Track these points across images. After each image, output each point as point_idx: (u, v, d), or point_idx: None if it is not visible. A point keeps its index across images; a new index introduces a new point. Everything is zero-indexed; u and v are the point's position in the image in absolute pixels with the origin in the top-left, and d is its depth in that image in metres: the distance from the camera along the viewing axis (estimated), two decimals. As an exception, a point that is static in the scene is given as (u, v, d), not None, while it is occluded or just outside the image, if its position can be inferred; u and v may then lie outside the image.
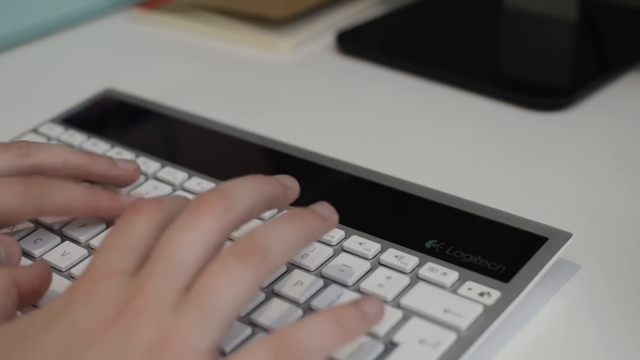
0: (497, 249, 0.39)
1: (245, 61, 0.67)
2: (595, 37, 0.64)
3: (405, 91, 0.60)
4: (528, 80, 0.59)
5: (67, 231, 0.43)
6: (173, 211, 0.34)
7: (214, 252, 0.31)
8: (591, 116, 0.54)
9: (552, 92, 0.56)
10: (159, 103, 0.56)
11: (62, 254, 0.42)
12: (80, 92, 0.59)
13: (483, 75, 0.59)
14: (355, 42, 0.66)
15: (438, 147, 0.52)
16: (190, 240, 0.31)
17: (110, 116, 0.57)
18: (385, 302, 0.36)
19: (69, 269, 0.41)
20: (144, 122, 0.55)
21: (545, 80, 0.59)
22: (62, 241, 0.43)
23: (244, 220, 0.33)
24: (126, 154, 0.50)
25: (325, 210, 0.34)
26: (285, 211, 0.35)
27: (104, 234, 0.43)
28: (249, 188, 0.33)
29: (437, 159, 0.51)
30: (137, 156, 0.50)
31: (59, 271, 0.41)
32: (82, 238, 0.43)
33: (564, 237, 0.39)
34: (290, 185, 0.36)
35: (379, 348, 0.34)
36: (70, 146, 0.50)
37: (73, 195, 0.41)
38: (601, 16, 0.66)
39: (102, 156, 0.45)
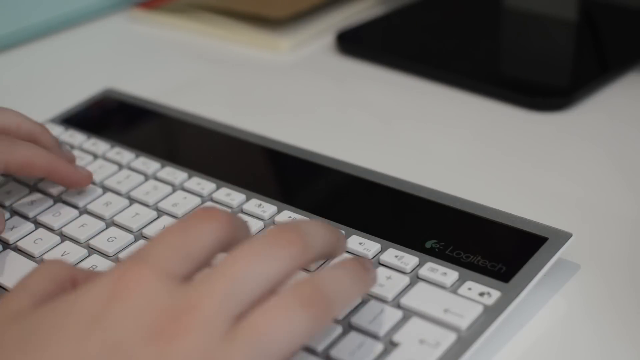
0: (497, 249, 0.39)
1: (245, 61, 0.67)
2: (595, 37, 0.64)
3: (405, 91, 0.60)
4: (528, 80, 0.59)
5: (67, 231, 0.43)
6: (241, 232, 0.32)
7: (275, 287, 0.29)
8: (591, 116, 0.54)
9: (552, 92, 0.56)
10: (159, 103, 0.56)
11: (62, 253, 0.42)
12: (80, 92, 0.59)
13: (483, 75, 0.59)
14: (355, 42, 0.66)
15: (438, 147, 0.52)
16: (259, 270, 0.29)
17: (110, 116, 0.57)
18: (385, 302, 0.36)
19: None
20: (144, 122, 0.55)
21: (545, 80, 0.59)
22: (62, 241, 0.43)
23: (311, 264, 0.32)
24: (126, 154, 0.50)
25: (372, 267, 0.33)
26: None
27: (104, 232, 0.43)
28: (323, 235, 0.32)
29: (437, 159, 0.51)
30: (137, 156, 0.50)
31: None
32: (82, 238, 0.43)
33: (564, 237, 0.39)
34: (344, 244, 0.35)
35: (379, 348, 0.34)
36: (51, 132, 0.51)
37: (36, 153, 0.43)
38: (601, 16, 0.66)
39: (50, 132, 0.47)
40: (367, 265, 0.32)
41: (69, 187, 0.46)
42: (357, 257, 0.33)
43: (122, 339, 0.27)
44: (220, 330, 0.27)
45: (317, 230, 0.32)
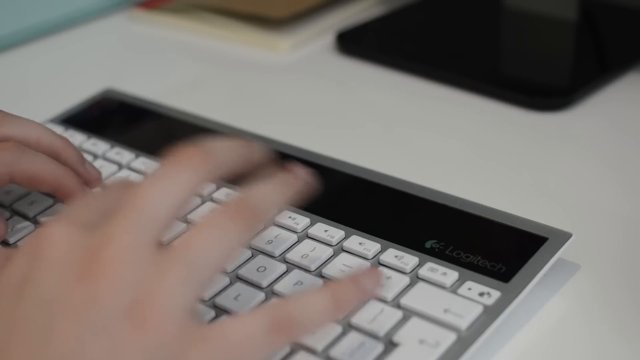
0: (497, 249, 0.39)
1: (245, 61, 0.67)
2: (595, 37, 0.64)
3: (405, 91, 0.60)
4: (528, 80, 0.59)
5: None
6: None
7: (185, 205, 0.29)
8: (591, 116, 0.54)
9: (552, 92, 0.56)
10: (159, 103, 0.56)
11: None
12: (80, 92, 0.59)
13: (483, 75, 0.59)
14: (355, 42, 0.66)
15: (438, 147, 0.52)
16: (162, 192, 0.29)
17: (110, 116, 0.57)
18: (385, 302, 0.36)
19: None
20: (144, 122, 0.55)
21: (545, 80, 0.59)
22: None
23: (219, 177, 0.31)
24: (126, 154, 0.50)
25: (302, 172, 0.33)
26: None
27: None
28: (224, 144, 0.32)
29: (437, 159, 0.51)
30: (137, 156, 0.50)
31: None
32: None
33: (564, 237, 0.39)
34: (256, 148, 0.34)
35: (379, 348, 0.34)
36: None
37: (44, 166, 0.41)
38: (601, 16, 0.66)
39: (75, 147, 0.44)
40: (295, 172, 0.33)
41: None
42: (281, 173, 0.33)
43: (53, 291, 0.28)
44: (141, 256, 0.28)
45: (218, 142, 0.31)
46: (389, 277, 0.37)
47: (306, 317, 0.29)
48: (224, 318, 0.31)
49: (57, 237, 0.29)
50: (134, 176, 0.48)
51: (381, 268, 0.38)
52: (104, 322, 0.27)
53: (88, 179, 0.44)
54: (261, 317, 0.29)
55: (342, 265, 0.38)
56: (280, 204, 0.31)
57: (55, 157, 0.43)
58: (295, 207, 0.43)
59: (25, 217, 0.45)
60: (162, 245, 0.28)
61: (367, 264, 0.38)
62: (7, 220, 0.44)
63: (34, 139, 0.43)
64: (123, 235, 0.28)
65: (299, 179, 0.33)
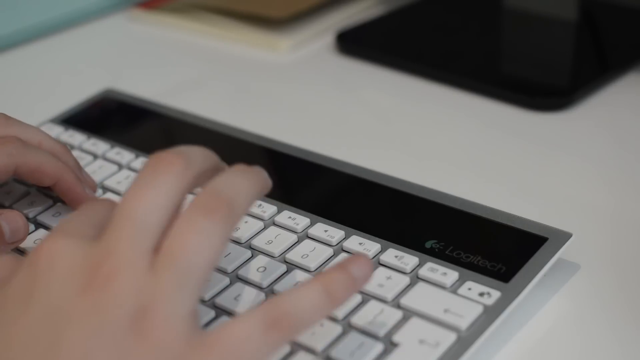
0: (497, 249, 0.39)
1: (245, 61, 0.67)
2: (595, 37, 0.64)
3: (405, 91, 0.60)
4: (528, 80, 0.59)
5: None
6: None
7: (176, 210, 0.30)
8: (591, 116, 0.54)
9: (552, 92, 0.56)
10: (159, 103, 0.56)
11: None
12: (80, 92, 0.59)
13: (483, 75, 0.59)
14: (355, 42, 0.66)
15: (438, 147, 0.52)
16: (153, 200, 0.30)
17: (110, 116, 0.57)
18: (385, 302, 0.36)
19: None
20: (144, 122, 0.55)
21: (545, 80, 0.59)
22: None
23: (200, 181, 0.32)
24: (126, 154, 0.50)
25: (262, 171, 0.34)
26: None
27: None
28: (198, 151, 0.33)
29: (437, 159, 0.51)
30: (136, 156, 0.50)
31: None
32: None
33: (564, 237, 0.39)
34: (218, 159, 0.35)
35: (379, 348, 0.34)
36: (68, 145, 0.50)
37: (47, 160, 0.42)
38: (601, 16, 0.66)
39: (73, 155, 0.45)
40: (255, 168, 0.33)
41: (70, 201, 0.44)
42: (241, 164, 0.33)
43: (57, 303, 0.28)
44: (141, 266, 0.29)
45: (191, 148, 0.33)
46: (389, 277, 0.37)
47: (301, 311, 0.29)
48: (221, 322, 0.31)
49: (56, 250, 0.29)
50: (133, 176, 0.47)
51: (381, 268, 0.38)
52: (109, 332, 0.28)
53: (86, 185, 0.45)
54: (256, 317, 0.29)
55: (342, 265, 0.38)
56: (253, 191, 0.32)
57: None
58: (295, 207, 0.43)
59: (25, 218, 0.45)
60: (157, 251, 0.29)
61: (357, 252, 0.38)
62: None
63: (36, 141, 0.44)
64: (121, 245, 0.29)
65: (263, 174, 0.34)
